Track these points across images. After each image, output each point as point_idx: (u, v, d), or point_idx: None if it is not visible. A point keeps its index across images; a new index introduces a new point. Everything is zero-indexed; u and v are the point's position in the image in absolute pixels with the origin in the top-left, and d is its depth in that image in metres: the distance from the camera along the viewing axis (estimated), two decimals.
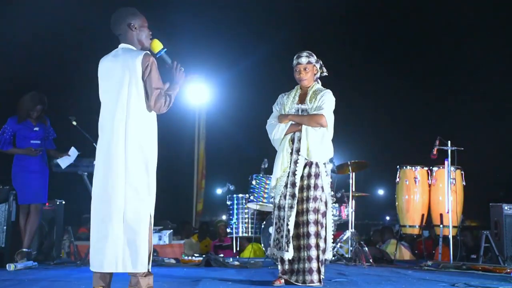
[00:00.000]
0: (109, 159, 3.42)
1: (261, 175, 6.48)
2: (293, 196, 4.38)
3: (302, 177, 4.41)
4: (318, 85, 4.62)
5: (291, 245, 4.30)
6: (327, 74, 4.68)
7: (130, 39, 3.58)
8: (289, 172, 4.43)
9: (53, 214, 6.86)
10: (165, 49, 3.63)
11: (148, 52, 3.52)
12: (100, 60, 3.62)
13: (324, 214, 4.39)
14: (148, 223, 3.37)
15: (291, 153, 4.46)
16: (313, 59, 4.56)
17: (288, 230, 4.32)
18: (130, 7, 3.64)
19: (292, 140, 4.49)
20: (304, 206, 4.36)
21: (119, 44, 3.62)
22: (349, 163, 7.00)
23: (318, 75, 4.65)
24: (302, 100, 4.57)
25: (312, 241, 4.30)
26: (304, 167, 4.42)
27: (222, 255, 7.68)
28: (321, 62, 4.64)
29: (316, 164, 4.41)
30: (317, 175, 4.39)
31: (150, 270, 3.41)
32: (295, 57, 4.58)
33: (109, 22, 3.64)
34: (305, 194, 4.39)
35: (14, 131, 6.06)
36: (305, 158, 4.41)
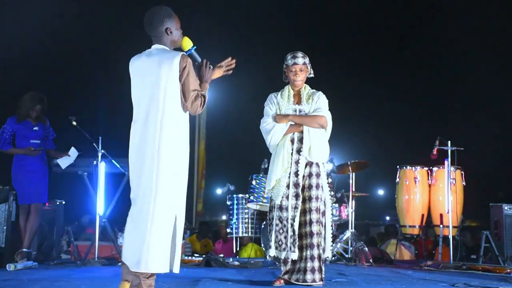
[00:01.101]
0: (141, 158, 3.40)
1: (261, 175, 6.48)
2: (296, 196, 4.38)
3: (303, 177, 4.41)
4: (308, 86, 4.61)
5: (296, 245, 4.30)
6: (313, 76, 4.66)
7: (165, 41, 3.57)
8: (290, 172, 4.42)
9: (53, 214, 6.86)
10: (195, 47, 3.61)
11: (182, 52, 3.50)
12: (131, 60, 3.59)
13: (324, 213, 4.42)
14: (172, 225, 3.33)
15: (292, 153, 4.45)
16: (307, 60, 4.55)
17: (294, 231, 4.32)
18: (166, 7, 3.59)
19: (292, 141, 4.48)
20: (307, 205, 4.37)
21: (152, 44, 3.59)
22: (349, 163, 7.00)
23: (307, 76, 4.62)
24: (297, 100, 4.55)
25: (315, 240, 4.31)
26: (305, 167, 4.42)
27: (222, 255, 7.68)
28: (310, 64, 4.61)
29: (317, 164, 4.43)
30: (318, 175, 4.41)
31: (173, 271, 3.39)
32: (289, 56, 4.52)
33: (142, 20, 3.59)
34: (306, 193, 4.39)
35: (14, 131, 6.06)
36: (306, 158, 4.41)
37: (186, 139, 3.50)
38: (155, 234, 3.30)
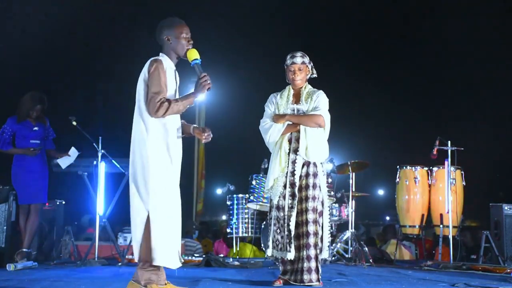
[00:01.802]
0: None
1: (261, 175, 6.48)
2: (293, 196, 4.37)
3: (300, 176, 4.40)
4: (309, 86, 4.61)
5: (293, 246, 4.30)
6: (316, 76, 4.66)
7: (167, 50, 3.75)
8: (287, 172, 4.42)
9: (53, 214, 6.86)
10: (199, 60, 3.72)
11: (157, 58, 3.67)
12: None
13: (321, 213, 4.40)
14: (144, 220, 3.56)
15: (289, 153, 4.45)
16: (307, 59, 4.55)
17: (290, 231, 4.31)
18: (173, 17, 3.79)
19: (289, 140, 4.47)
20: (303, 205, 4.36)
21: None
22: (349, 163, 7.00)
23: (309, 76, 4.63)
24: (296, 100, 4.54)
25: (311, 240, 4.30)
26: (302, 166, 4.41)
27: (222, 255, 7.69)
28: (312, 64, 4.61)
29: (314, 163, 4.41)
30: (315, 175, 4.40)
31: (153, 265, 3.58)
32: (289, 56, 4.53)
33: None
34: (303, 193, 4.38)
35: (14, 131, 6.06)
36: (303, 158, 4.40)
37: (159, 141, 3.62)
38: (132, 230, 3.67)
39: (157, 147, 3.60)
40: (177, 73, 3.80)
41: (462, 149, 6.48)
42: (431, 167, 7.06)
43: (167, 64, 3.69)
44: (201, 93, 3.71)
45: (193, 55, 3.72)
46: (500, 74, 11.73)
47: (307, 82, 4.61)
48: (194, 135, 3.89)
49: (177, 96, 3.73)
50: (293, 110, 4.50)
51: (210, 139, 3.82)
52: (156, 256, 3.53)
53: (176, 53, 3.74)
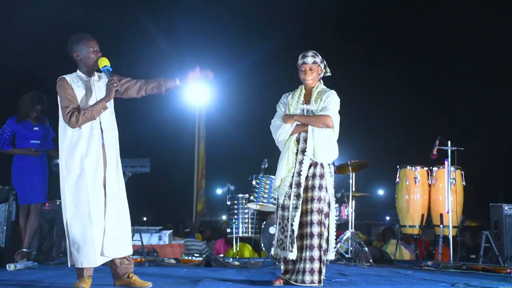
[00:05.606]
0: None
1: (261, 175, 6.47)
2: (298, 196, 4.36)
3: (306, 177, 4.38)
4: (322, 85, 4.60)
5: (295, 246, 4.29)
6: (330, 75, 4.65)
7: (79, 65, 4.20)
8: (294, 172, 4.41)
9: (53, 214, 6.85)
10: (108, 67, 4.13)
11: (61, 77, 4.10)
12: None
13: (327, 215, 4.38)
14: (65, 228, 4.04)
15: (297, 154, 4.44)
16: (318, 59, 4.53)
17: (293, 231, 4.30)
18: (78, 34, 4.23)
19: (298, 141, 4.46)
20: (308, 206, 4.35)
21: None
22: (349, 163, 6.99)
23: (322, 75, 4.62)
24: (307, 100, 4.53)
25: (315, 241, 4.29)
26: (309, 167, 4.40)
27: (222, 255, 7.69)
28: (325, 62, 4.61)
29: (321, 164, 4.40)
30: (321, 176, 4.38)
31: (70, 265, 4.06)
32: (300, 56, 4.52)
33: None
34: (309, 194, 4.37)
35: (14, 131, 6.05)
36: (310, 159, 4.40)
37: (70, 147, 3.98)
38: None
39: (68, 158, 3.93)
40: (96, 82, 4.15)
41: (462, 149, 6.47)
42: (431, 167, 7.05)
43: (79, 78, 4.11)
44: (110, 96, 4.06)
45: (103, 63, 4.14)
46: (500, 74, 11.73)
47: (320, 82, 4.59)
48: (179, 84, 4.19)
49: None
50: (303, 111, 4.49)
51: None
52: (70, 259, 3.98)
53: (87, 66, 4.12)
